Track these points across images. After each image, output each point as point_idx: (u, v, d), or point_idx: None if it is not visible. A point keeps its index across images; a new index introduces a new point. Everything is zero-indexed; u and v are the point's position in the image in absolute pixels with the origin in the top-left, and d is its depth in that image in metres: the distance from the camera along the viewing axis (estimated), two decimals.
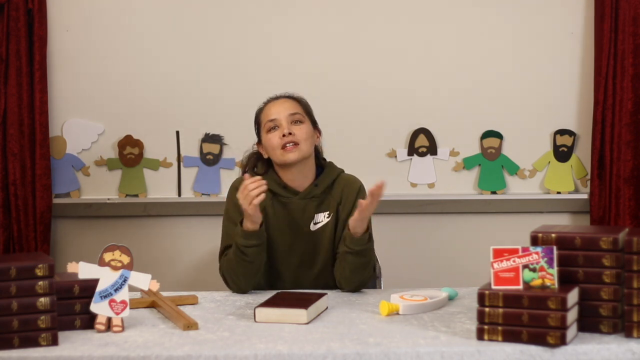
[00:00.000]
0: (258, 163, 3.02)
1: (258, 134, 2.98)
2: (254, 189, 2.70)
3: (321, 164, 3.01)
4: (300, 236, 2.92)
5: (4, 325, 2.22)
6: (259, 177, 2.77)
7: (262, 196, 2.72)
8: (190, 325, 2.38)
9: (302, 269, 2.96)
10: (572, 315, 2.20)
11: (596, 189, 3.85)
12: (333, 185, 2.97)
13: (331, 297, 2.75)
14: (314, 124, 2.98)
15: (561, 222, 3.91)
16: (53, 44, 3.84)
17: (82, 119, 3.89)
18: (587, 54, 3.89)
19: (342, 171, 3.02)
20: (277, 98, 2.98)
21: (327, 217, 2.93)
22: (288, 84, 3.84)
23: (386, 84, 3.89)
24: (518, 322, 2.19)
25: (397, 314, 2.52)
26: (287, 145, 2.85)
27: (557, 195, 3.94)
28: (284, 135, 2.86)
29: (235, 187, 2.98)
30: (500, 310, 2.20)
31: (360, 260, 2.80)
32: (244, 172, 3.06)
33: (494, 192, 3.93)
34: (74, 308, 2.38)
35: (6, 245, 3.79)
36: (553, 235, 2.29)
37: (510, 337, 2.19)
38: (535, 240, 2.30)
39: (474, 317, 2.31)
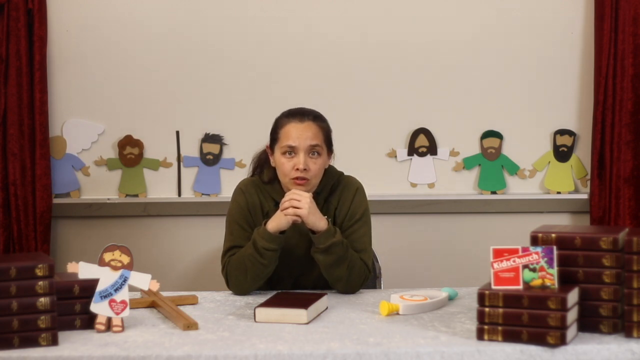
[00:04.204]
0: (265, 169, 3.00)
1: (272, 142, 2.91)
2: (298, 207, 2.74)
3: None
4: (301, 242, 2.91)
5: (4, 325, 2.22)
6: (309, 195, 2.77)
7: (298, 219, 2.75)
8: (190, 325, 2.38)
9: (302, 275, 2.96)
10: (572, 315, 2.21)
11: (596, 189, 3.85)
12: (333, 191, 2.96)
13: (331, 297, 2.75)
14: (329, 146, 2.93)
15: (561, 222, 3.91)
16: (53, 44, 3.84)
17: (82, 119, 3.89)
18: (587, 54, 3.89)
19: (342, 174, 3.01)
20: (302, 118, 2.87)
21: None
22: (288, 84, 3.87)
23: (386, 84, 3.89)
24: (518, 322, 2.19)
25: (397, 314, 2.52)
26: (298, 179, 2.82)
27: (557, 195, 3.94)
28: (297, 169, 2.82)
29: (240, 188, 2.97)
30: (500, 310, 2.20)
31: (330, 258, 2.78)
32: (253, 173, 3.05)
33: (494, 192, 3.93)
34: (74, 308, 2.38)
35: (6, 245, 3.79)
36: (553, 235, 2.29)
37: (510, 337, 2.20)
38: (535, 240, 2.30)
39: (474, 317, 2.32)
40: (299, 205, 2.75)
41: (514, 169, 3.95)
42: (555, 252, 2.22)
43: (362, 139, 3.89)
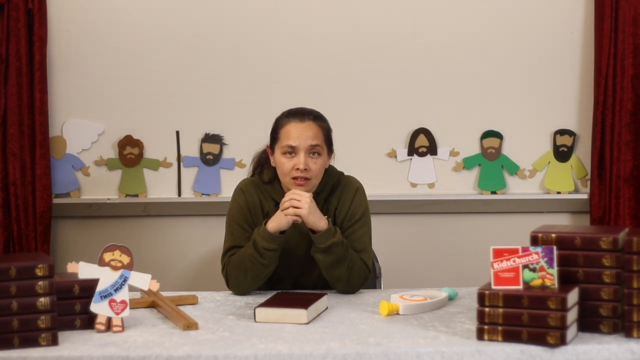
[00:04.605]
0: (265, 169, 3.00)
1: (272, 141, 2.91)
2: (298, 207, 2.73)
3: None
4: (301, 242, 2.91)
5: (4, 325, 2.22)
6: (309, 195, 2.77)
7: (298, 219, 2.75)
8: (190, 325, 2.38)
9: (302, 275, 2.95)
10: (572, 315, 2.21)
11: (596, 189, 3.85)
12: (333, 191, 2.96)
13: (331, 297, 2.75)
14: (330, 146, 2.92)
15: (561, 222, 3.91)
16: (53, 44, 3.84)
17: (82, 119, 3.89)
18: (587, 54, 3.89)
19: (342, 174, 3.01)
20: (302, 118, 2.87)
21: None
22: (288, 84, 3.87)
23: (386, 84, 3.89)
24: (518, 322, 2.19)
25: (397, 314, 2.52)
26: (299, 179, 2.82)
27: (557, 195, 3.94)
28: (297, 169, 2.82)
29: (240, 188, 2.97)
30: (500, 310, 2.20)
31: (330, 258, 2.78)
32: (253, 173, 3.05)
33: (494, 192, 3.93)
34: (74, 308, 2.38)
35: (6, 245, 3.79)
36: (553, 235, 2.29)
37: (510, 337, 2.20)
38: (535, 240, 2.30)
39: (474, 317, 2.32)
40: (299, 205, 2.74)
41: (514, 169, 3.95)
42: (555, 252, 2.22)
43: (362, 139, 3.89)
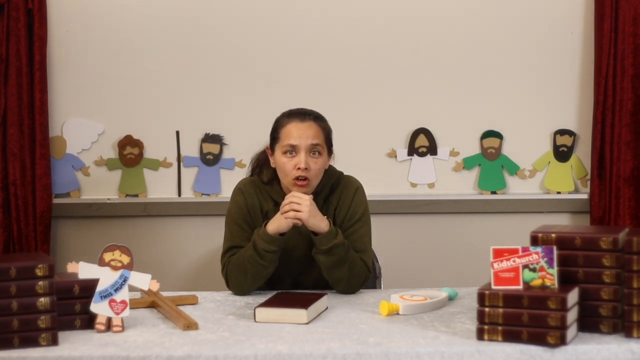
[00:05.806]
0: (264, 169, 3.00)
1: (272, 142, 2.91)
2: (298, 210, 2.74)
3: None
4: (301, 242, 2.91)
5: (4, 325, 2.22)
6: (309, 197, 2.78)
7: (298, 222, 2.75)
8: (190, 325, 2.39)
9: (302, 275, 2.95)
10: (572, 315, 2.21)
11: (596, 189, 3.85)
12: (332, 190, 2.96)
13: (331, 297, 2.75)
14: (329, 147, 2.93)
15: (561, 222, 3.91)
16: (53, 44, 3.84)
17: (82, 119, 3.89)
18: (587, 54, 3.89)
19: (341, 174, 3.01)
20: (303, 118, 2.88)
21: None
22: (288, 84, 3.87)
23: (386, 84, 3.89)
24: (518, 322, 2.19)
25: (397, 314, 2.52)
26: (299, 178, 2.82)
27: (557, 195, 3.94)
28: (299, 168, 2.82)
29: (239, 189, 2.97)
30: (500, 310, 2.20)
31: (332, 259, 2.78)
32: (252, 174, 3.05)
33: (494, 192, 3.93)
34: (74, 308, 2.38)
35: (6, 245, 3.79)
36: (553, 235, 2.29)
37: (510, 337, 2.20)
38: (535, 240, 2.30)
39: (474, 317, 2.32)
40: (299, 209, 2.75)
41: (514, 169, 3.95)
42: (555, 252, 2.22)
43: (362, 139, 3.89)
